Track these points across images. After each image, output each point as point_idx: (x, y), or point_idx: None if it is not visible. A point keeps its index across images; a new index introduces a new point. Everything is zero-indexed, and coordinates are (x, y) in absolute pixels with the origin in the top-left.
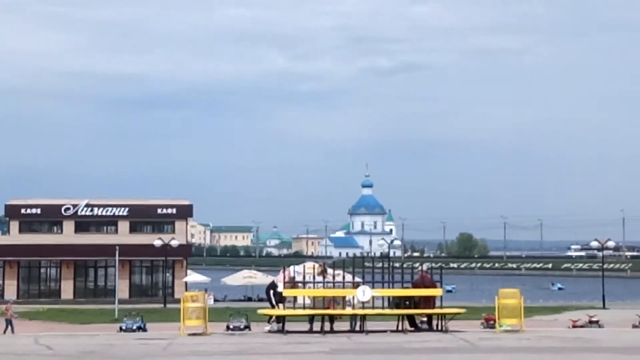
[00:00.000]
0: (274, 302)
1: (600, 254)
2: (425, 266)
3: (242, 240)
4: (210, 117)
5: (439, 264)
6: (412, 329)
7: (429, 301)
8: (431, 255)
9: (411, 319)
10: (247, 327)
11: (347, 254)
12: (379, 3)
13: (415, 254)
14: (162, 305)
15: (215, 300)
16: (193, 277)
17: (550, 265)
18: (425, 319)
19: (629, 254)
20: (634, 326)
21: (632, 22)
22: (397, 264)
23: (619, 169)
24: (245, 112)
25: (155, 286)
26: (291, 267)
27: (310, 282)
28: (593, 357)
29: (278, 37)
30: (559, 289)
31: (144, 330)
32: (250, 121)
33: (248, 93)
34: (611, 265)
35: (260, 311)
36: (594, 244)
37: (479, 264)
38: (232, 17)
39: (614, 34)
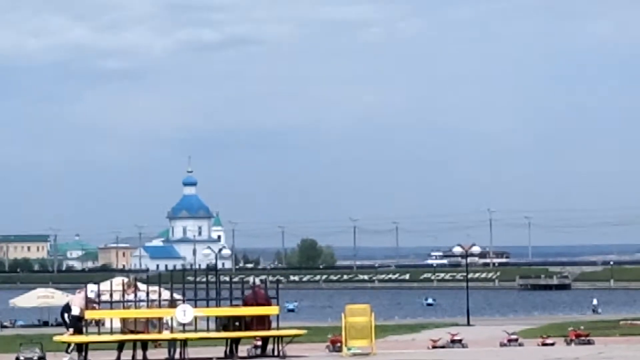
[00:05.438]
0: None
1: (464, 261)
2: (259, 280)
3: (36, 252)
4: None
5: (277, 276)
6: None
7: (263, 321)
8: (268, 266)
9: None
10: (42, 358)
11: (166, 266)
12: None
13: (249, 265)
14: None
15: (3, 327)
16: None
17: (407, 276)
18: (259, 342)
19: (496, 260)
20: (502, 345)
21: None
22: (226, 278)
23: (481, 162)
24: (37, 96)
25: None
26: (89, 286)
27: (119, 302)
28: None
29: (75, 3)
30: (429, 304)
31: None
32: (43, 107)
33: (40, 73)
34: (477, 275)
35: (56, 338)
36: (457, 249)
37: (324, 276)
38: None
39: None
